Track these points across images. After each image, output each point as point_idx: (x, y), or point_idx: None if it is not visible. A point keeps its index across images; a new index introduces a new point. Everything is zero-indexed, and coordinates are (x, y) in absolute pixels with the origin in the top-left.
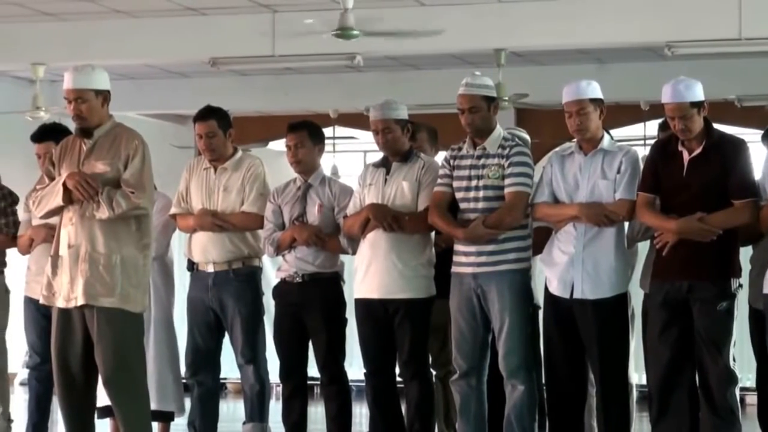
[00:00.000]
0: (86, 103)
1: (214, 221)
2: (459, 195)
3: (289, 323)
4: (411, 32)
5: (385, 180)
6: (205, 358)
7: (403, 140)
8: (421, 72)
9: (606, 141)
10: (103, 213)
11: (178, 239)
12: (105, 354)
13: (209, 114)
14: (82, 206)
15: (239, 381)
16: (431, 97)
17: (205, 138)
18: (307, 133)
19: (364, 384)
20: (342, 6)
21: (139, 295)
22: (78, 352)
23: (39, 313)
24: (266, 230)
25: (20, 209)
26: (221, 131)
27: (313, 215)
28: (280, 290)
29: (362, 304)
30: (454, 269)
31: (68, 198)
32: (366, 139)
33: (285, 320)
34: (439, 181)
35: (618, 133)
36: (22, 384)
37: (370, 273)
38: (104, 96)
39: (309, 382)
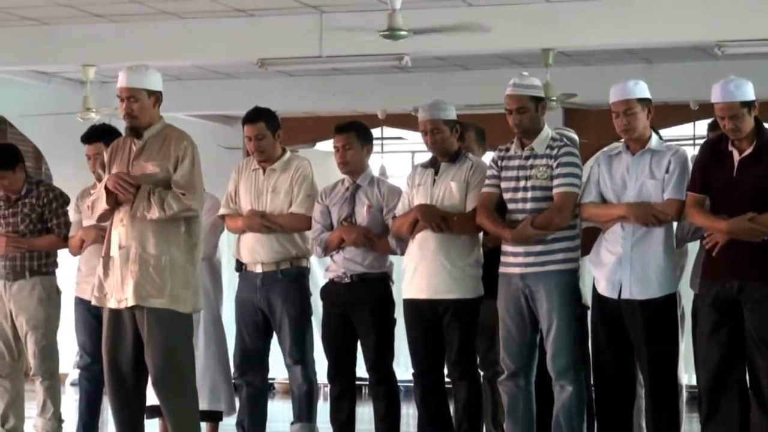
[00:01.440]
0: (138, 103)
1: (263, 222)
2: (507, 195)
3: (337, 324)
4: (459, 32)
5: (434, 180)
6: (253, 358)
7: (452, 141)
8: (469, 72)
9: (654, 141)
10: (154, 213)
11: (226, 240)
12: (154, 354)
13: (258, 116)
14: (133, 207)
15: (287, 381)
16: (479, 97)
17: (254, 140)
18: (355, 134)
19: (412, 384)
20: (390, 6)
21: (189, 296)
22: (128, 353)
23: (89, 314)
24: (314, 231)
25: (71, 210)
26: (270, 133)
27: (362, 216)
28: (328, 291)
29: (411, 305)
30: (502, 270)
31: (113, 200)
32: (414, 139)
33: (333, 321)
34: (487, 181)
35: (667, 132)
36: (72, 384)
37: (418, 273)
38: (156, 97)
39: (357, 383)
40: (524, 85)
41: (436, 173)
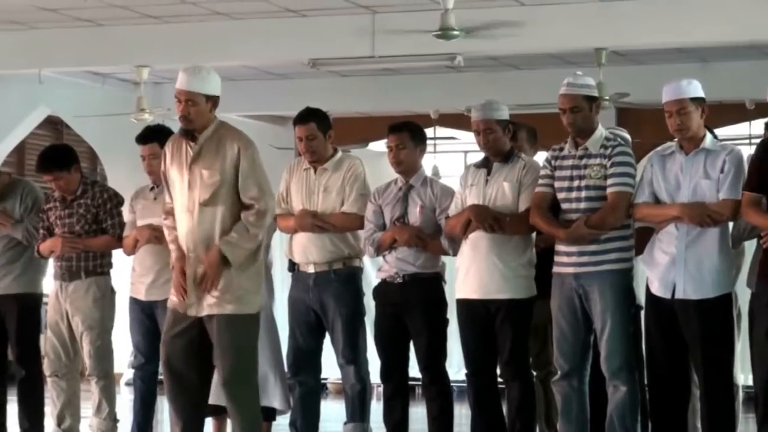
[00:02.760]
0: (195, 107)
1: (315, 222)
2: (560, 195)
3: (389, 324)
4: (511, 32)
5: (486, 180)
6: (306, 358)
7: (505, 140)
8: (522, 72)
9: (708, 140)
10: (247, 260)
11: (278, 240)
12: (224, 357)
13: (309, 116)
14: (201, 211)
15: (340, 381)
16: (531, 97)
17: (305, 140)
18: (408, 134)
19: (465, 385)
20: (442, 6)
21: (255, 296)
22: (191, 351)
23: (143, 314)
24: (366, 231)
25: (125, 210)
26: (321, 133)
27: (415, 216)
28: (380, 291)
29: (463, 305)
30: (556, 269)
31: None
32: (467, 139)
33: (386, 321)
34: (541, 181)
35: (722, 132)
36: (127, 384)
37: (471, 273)
38: (213, 101)
39: (410, 383)
40: (578, 84)
41: (488, 173)
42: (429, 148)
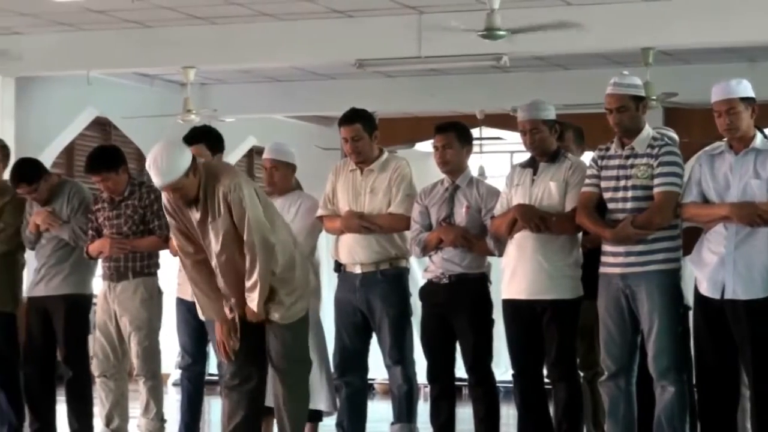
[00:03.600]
0: (184, 187)
1: (361, 223)
2: (607, 195)
3: (436, 324)
4: (557, 32)
5: (533, 180)
6: (352, 358)
7: (551, 140)
8: (568, 72)
9: (759, 140)
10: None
11: (324, 241)
12: (278, 360)
13: (354, 117)
14: (223, 262)
15: (387, 382)
16: (578, 96)
17: (351, 141)
18: (454, 134)
19: (511, 385)
20: (488, 6)
21: (301, 302)
22: (252, 351)
23: (190, 315)
24: (413, 231)
25: None
26: (366, 134)
27: (461, 216)
28: (426, 291)
29: (509, 305)
30: (602, 270)
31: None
32: (513, 139)
33: (432, 321)
34: (587, 181)
35: None
36: (174, 384)
37: (517, 274)
38: (193, 171)
39: (457, 383)
40: (625, 84)
41: (534, 173)
42: (475, 149)
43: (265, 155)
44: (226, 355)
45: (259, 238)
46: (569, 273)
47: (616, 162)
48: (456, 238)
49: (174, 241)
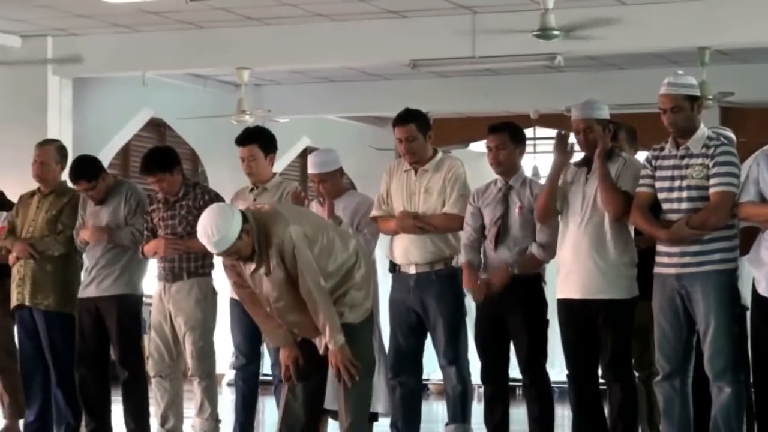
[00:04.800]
0: (240, 244)
1: (415, 223)
2: (662, 195)
3: (490, 324)
4: (612, 31)
5: (586, 179)
6: (407, 359)
7: (605, 139)
8: (623, 71)
9: None
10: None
11: (379, 241)
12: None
13: (408, 117)
14: (282, 308)
15: (441, 382)
16: (633, 96)
17: (405, 141)
18: (508, 134)
19: (566, 386)
20: (542, 6)
21: (352, 309)
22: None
23: (244, 315)
24: (465, 233)
25: None
26: (421, 134)
27: (514, 217)
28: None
29: (564, 305)
30: (657, 270)
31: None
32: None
33: (487, 321)
34: (641, 181)
35: None
36: (229, 384)
37: (572, 273)
38: (247, 231)
39: (511, 384)
40: (679, 84)
41: (588, 172)
42: (529, 149)
43: (309, 170)
44: (290, 380)
45: (314, 285)
46: (624, 273)
47: (671, 162)
48: (503, 282)
49: (228, 278)
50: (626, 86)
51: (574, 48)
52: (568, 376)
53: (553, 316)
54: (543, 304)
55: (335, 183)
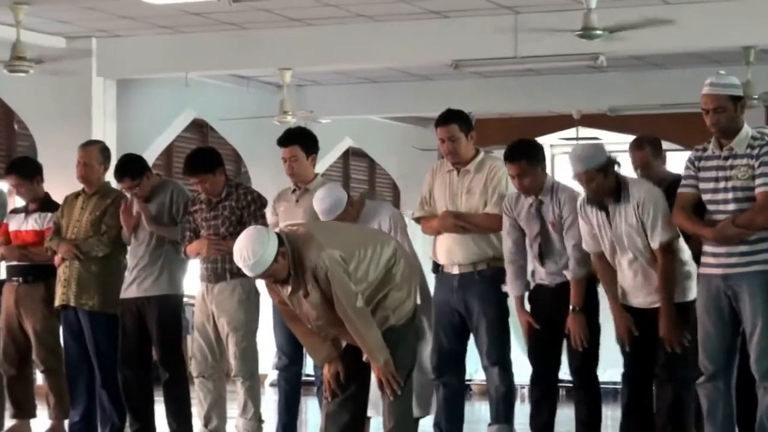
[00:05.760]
0: (276, 266)
1: (457, 223)
2: (706, 197)
3: (543, 327)
4: (655, 31)
5: (610, 224)
6: (450, 359)
7: (610, 180)
8: (666, 71)
9: None
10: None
11: (422, 241)
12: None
13: (450, 118)
14: (322, 327)
15: (484, 382)
16: (676, 96)
17: (447, 142)
18: (525, 161)
19: (609, 386)
20: (585, 6)
21: (397, 312)
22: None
23: None
24: (506, 250)
25: (268, 212)
26: (463, 134)
27: (552, 232)
28: (534, 295)
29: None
30: (702, 270)
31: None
32: (610, 139)
33: (541, 325)
34: (684, 182)
35: None
36: (271, 385)
37: (630, 291)
38: (282, 254)
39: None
40: (721, 84)
41: (607, 215)
42: (571, 148)
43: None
44: (332, 393)
45: (351, 308)
46: (679, 277)
47: (715, 163)
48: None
49: (270, 297)
50: (669, 86)
51: (617, 48)
52: (623, 375)
53: (603, 319)
54: (596, 308)
55: (356, 208)
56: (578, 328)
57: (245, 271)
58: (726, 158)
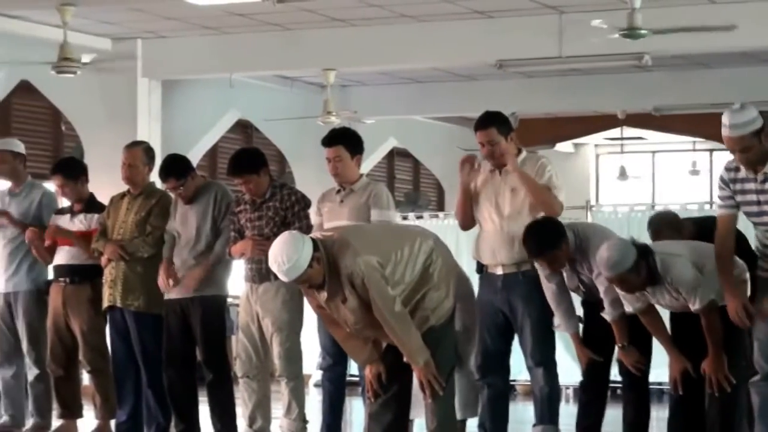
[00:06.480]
0: (311, 272)
1: (516, 168)
2: (752, 219)
3: (598, 331)
4: (701, 29)
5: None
6: (494, 359)
7: None
8: (712, 70)
9: None
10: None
11: (465, 242)
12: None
13: (488, 122)
14: (360, 332)
15: (529, 383)
16: (722, 96)
17: (486, 145)
18: (548, 258)
19: (656, 386)
20: (630, 5)
21: (436, 312)
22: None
23: None
24: (548, 294)
25: (312, 213)
26: (502, 137)
27: (592, 284)
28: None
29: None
30: (760, 273)
31: None
32: (655, 139)
33: (595, 330)
34: (722, 203)
35: None
36: (316, 385)
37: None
38: (317, 259)
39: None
40: (741, 123)
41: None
42: (616, 148)
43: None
44: (375, 394)
45: (389, 313)
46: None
47: (753, 186)
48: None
49: (308, 302)
50: (715, 85)
51: (662, 47)
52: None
53: None
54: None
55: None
56: (632, 361)
57: (279, 276)
58: (763, 182)
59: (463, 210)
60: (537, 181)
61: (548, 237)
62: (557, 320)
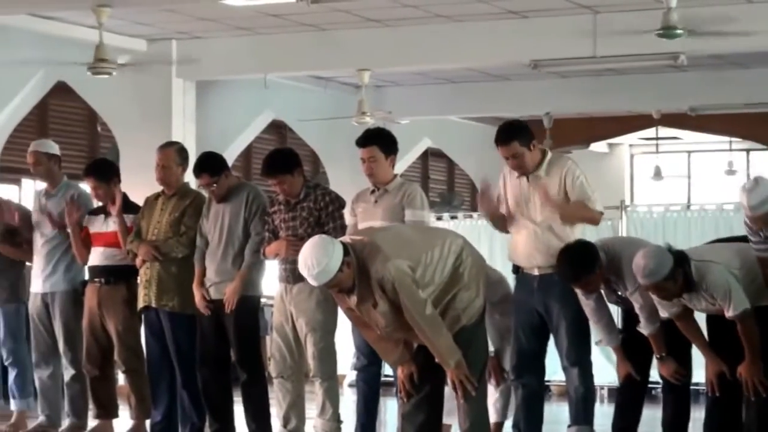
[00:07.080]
0: (340, 276)
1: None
2: None
3: (637, 333)
4: (737, 30)
5: None
6: (529, 360)
7: (676, 289)
8: (748, 70)
9: None
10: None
11: (499, 244)
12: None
13: (509, 136)
14: (390, 335)
15: (564, 383)
16: (758, 95)
17: (511, 159)
18: (582, 283)
19: (694, 387)
20: (665, 5)
21: (466, 311)
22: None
23: None
24: (591, 317)
25: (346, 213)
26: (524, 148)
27: (630, 303)
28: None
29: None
30: None
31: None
32: (690, 139)
33: (632, 328)
34: (758, 246)
35: None
36: (350, 386)
37: None
38: (348, 264)
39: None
40: (758, 204)
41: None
42: (651, 148)
43: None
44: (407, 394)
45: (420, 317)
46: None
47: None
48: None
49: (339, 306)
50: (751, 85)
51: (697, 47)
52: (707, 378)
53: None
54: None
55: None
56: (671, 372)
57: (309, 280)
58: None
59: (496, 227)
60: (569, 190)
61: (582, 262)
62: (599, 335)
